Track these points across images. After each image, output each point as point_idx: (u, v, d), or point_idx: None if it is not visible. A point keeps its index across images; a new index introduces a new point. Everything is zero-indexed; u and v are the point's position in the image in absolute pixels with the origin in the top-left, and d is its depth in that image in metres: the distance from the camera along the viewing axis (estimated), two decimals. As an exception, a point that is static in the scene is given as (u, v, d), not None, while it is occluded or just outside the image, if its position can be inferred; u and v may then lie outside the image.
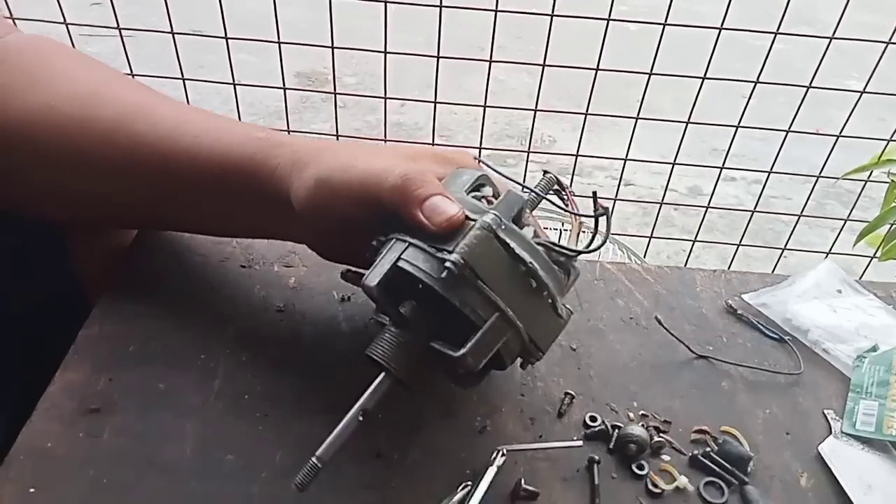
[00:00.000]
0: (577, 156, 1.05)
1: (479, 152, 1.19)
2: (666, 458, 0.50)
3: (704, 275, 0.65)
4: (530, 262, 0.42)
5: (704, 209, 1.17)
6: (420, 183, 0.43)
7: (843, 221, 1.21)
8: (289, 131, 1.32)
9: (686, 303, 0.62)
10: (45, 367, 0.52)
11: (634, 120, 1.01)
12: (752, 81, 0.98)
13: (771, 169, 1.11)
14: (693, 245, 1.28)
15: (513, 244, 0.42)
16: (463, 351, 0.42)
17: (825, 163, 1.11)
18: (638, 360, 0.57)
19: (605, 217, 0.45)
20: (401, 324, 0.45)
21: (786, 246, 1.18)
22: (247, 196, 0.51)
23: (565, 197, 0.48)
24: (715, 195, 2.28)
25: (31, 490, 0.44)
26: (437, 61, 0.96)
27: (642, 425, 0.51)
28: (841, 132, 1.07)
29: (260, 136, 0.51)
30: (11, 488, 0.44)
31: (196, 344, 0.53)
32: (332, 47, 0.98)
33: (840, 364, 0.57)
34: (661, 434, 0.51)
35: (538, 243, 0.44)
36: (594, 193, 0.46)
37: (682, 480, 0.48)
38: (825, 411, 0.54)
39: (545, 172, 0.49)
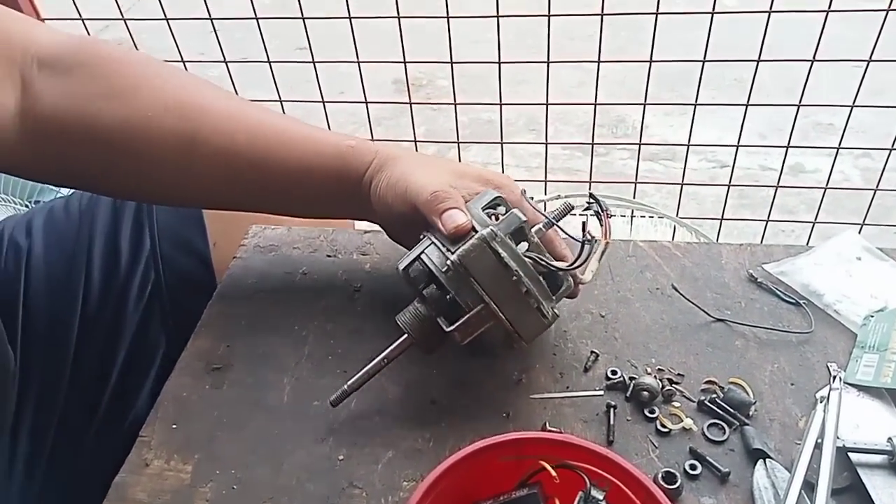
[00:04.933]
0: (639, 145, 1.12)
1: (546, 151, 1.27)
2: (676, 404, 0.58)
3: (731, 248, 0.72)
4: (515, 270, 0.53)
5: (775, 188, 1.20)
6: (443, 198, 0.57)
7: (925, 192, 1.20)
8: (373, 137, 1.44)
9: (710, 274, 0.69)
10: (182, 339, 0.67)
11: (693, 106, 1.07)
12: (807, 60, 1.01)
13: (841, 138, 1.13)
14: (766, 224, 1.30)
15: (503, 254, 0.53)
16: (451, 328, 0.55)
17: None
18: (659, 324, 0.65)
19: (588, 245, 0.55)
20: (423, 300, 0.57)
21: (864, 221, 1.19)
22: (339, 192, 0.64)
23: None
24: (819, 171, 2.22)
25: (174, 426, 0.59)
26: (500, 67, 1.07)
27: (656, 377, 0.60)
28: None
29: (351, 143, 0.64)
30: (160, 424, 0.59)
31: (292, 317, 0.67)
32: (405, 62, 1.10)
33: (850, 323, 0.63)
34: (672, 384, 0.59)
35: (528, 257, 0.55)
36: (591, 194, 0.56)
37: (688, 422, 0.57)
38: (828, 364, 0.60)
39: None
